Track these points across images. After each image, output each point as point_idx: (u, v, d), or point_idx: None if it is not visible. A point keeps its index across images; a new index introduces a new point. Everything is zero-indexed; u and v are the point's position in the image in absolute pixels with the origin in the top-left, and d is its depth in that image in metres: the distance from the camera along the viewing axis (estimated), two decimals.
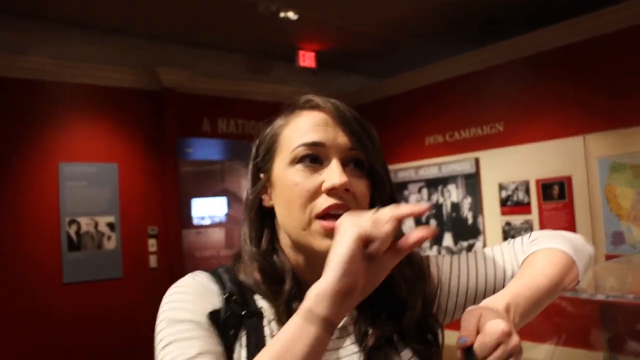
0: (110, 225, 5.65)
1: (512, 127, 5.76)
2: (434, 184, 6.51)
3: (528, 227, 5.55)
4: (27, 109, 5.25)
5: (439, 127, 6.47)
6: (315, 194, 0.86)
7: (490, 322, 0.73)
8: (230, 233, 8.35)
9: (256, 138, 0.98)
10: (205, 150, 7.51)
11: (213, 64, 6.47)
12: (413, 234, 0.74)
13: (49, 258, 5.27)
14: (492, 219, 5.91)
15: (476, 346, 0.72)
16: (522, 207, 5.64)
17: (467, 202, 6.17)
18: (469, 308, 0.78)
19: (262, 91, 6.74)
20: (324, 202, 0.85)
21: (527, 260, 0.96)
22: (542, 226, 5.44)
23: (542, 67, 5.51)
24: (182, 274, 0.93)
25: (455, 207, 6.29)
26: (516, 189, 5.68)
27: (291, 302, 0.88)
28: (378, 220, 0.72)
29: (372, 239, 0.72)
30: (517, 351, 0.72)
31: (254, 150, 0.97)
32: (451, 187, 6.33)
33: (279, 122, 0.95)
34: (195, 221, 8.33)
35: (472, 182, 6.11)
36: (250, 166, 0.97)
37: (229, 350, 0.83)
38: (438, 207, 6.47)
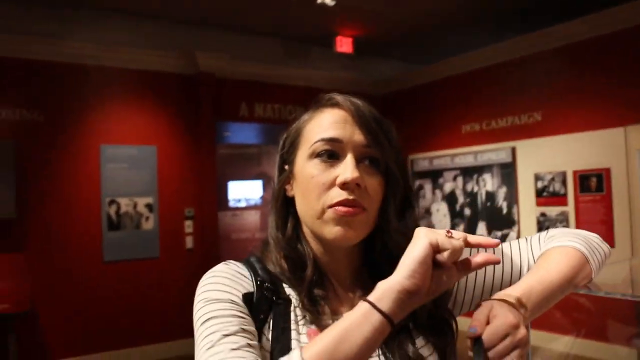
0: (149, 206, 5.81)
1: (550, 117, 5.66)
2: (470, 172, 6.46)
3: (563, 219, 5.47)
4: (70, 92, 5.45)
5: (476, 116, 6.40)
6: (329, 186, 0.91)
7: (499, 314, 0.78)
8: (266, 216, 8.44)
9: (284, 131, 1.04)
10: (243, 134, 7.62)
11: (251, 49, 6.54)
12: (481, 256, 0.82)
13: (91, 237, 5.49)
14: (527, 209, 5.84)
15: (484, 336, 0.76)
16: (558, 198, 5.55)
17: (502, 192, 6.11)
18: (483, 301, 0.82)
19: (299, 76, 6.79)
20: (337, 194, 0.90)
21: (542, 257, 0.99)
22: (578, 218, 5.36)
23: (583, 56, 5.38)
24: (217, 255, 1.00)
25: (490, 196, 6.24)
26: (552, 179, 5.60)
27: (312, 287, 0.94)
28: (451, 236, 0.80)
29: (443, 248, 0.78)
30: (524, 343, 0.76)
31: (281, 142, 1.02)
32: (486, 176, 6.27)
33: (304, 117, 1.00)
34: (232, 203, 8.46)
35: (507, 172, 6.04)
36: (277, 157, 1.03)
37: (260, 330, 0.89)
38: (472, 195, 6.43)
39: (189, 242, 6.03)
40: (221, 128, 6.81)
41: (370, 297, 0.77)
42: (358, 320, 0.76)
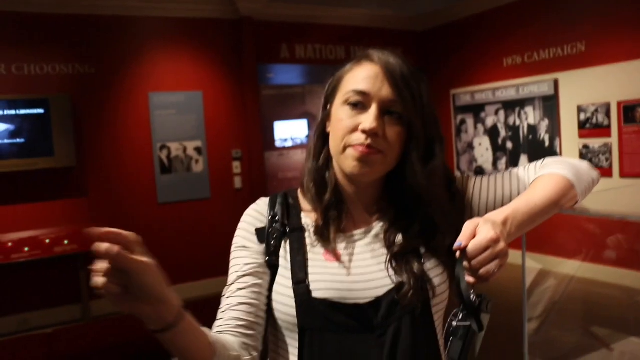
0: (198, 150, 6.09)
1: (593, 47, 5.52)
2: (511, 105, 6.42)
3: (606, 150, 5.44)
4: (118, 44, 5.68)
5: (518, 48, 6.29)
6: (353, 130, 1.06)
7: (482, 230, 0.91)
8: None
9: (330, 76, 1.20)
10: (285, 75, 7.71)
11: None
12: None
13: (145, 181, 5.84)
14: (570, 142, 5.81)
15: (468, 248, 0.89)
16: (602, 129, 5.50)
17: (544, 125, 6.07)
18: (471, 219, 0.96)
19: (339, 15, 6.78)
20: (357, 138, 1.05)
21: (532, 183, 1.14)
22: (622, 150, 5.31)
23: None
24: (265, 194, 1.23)
25: (532, 129, 6.22)
26: (596, 111, 5.53)
27: (329, 209, 1.13)
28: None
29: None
30: (502, 255, 0.90)
31: (327, 85, 1.18)
32: (528, 109, 6.23)
33: (346, 67, 1.14)
34: (278, 143, 8.66)
35: (550, 104, 5.98)
36: (323, 97, 1.19)
37: (275, 255, 1.12)
38: (515, 129, 6.42)
39: (238, 182, 6.30)
40: (264, 70, 6.93)
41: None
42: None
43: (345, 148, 1.07)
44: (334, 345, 1.04)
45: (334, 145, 1.11)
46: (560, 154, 5.88)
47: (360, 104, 1.07)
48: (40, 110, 5.18)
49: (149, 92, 5.83)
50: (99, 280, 0.78)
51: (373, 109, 1.05)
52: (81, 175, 5.50)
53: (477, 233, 0.92)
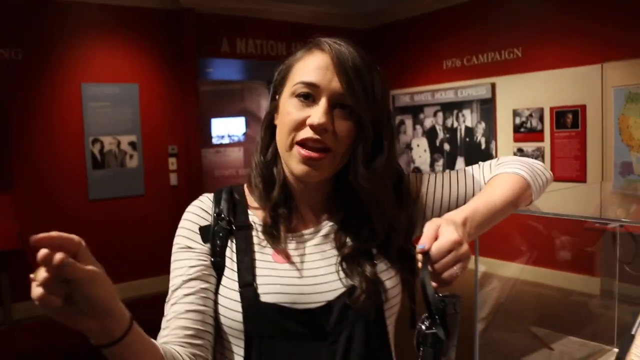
0: (132, 144, 5.85)
1: (530, 53, 5.71)
2: (450, 107, 6.55)
3: (539, 155, 5.63)
4: (48, 29, 5.35)
5: (458, 51, 6.42)
6: (300, 125, 1.00)
7: (445, 232, 0.87)
8: (249, 152, 8.52)
9: (280, 64, 1.12)
10: (225, 70, 7.57)
11: None
12: None
13: (76, 176, 5.55)
14: (505, 145, 5.99)
15: (432, 251, 0.85)
16: (535, 134, 5.69)
17: (481, 128, 6.23)
18: (431, 220, 0.92)
19: (282, 11, 6.70)
20: (305, 133, 0.99)
21: (489, 182, 1.12)
22: (553, 154, 5.51)
23: None
24: (201, 191, 1.13)
25: (469, 131, 6.36)
26: (530, 115, 5.71)
27: (277, 207, 1.06)
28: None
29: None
30: (465, 257, 0.87)
31: (275, 74, 1.10)
32: (466, 112, 6.37)
33: (297, 55, 1.07)
34: (215, 140, 8.50)
35: (487, 108, 6.14)
36: (272, 85, 1.11)
37: (221, 256, 1.03)
38: (452, 131, 6.55)
39: (174, 179, 6.12)
40: (203, 64, 6.77)
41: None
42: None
43: (292, 145, 1.01)
44: (284, 353, 0.98)
45: (280, 140, 1.05)
46: (496, 156, 6.00)
47: (309, 97, 1.00)
48: None
49: (82, 82, 5.54)
50: (36, 291, 0.67)
51: (322, 103, 0.99)
52: (6, 168, 5.15)
53: (439, 235, 0.88)
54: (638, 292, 2.78)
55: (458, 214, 0.96)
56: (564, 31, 5.39)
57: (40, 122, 5.33)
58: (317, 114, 0.98)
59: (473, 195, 1.13)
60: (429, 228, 0.89)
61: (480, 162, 1.21)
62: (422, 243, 0.87)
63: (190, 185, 6.08)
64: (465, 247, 0.87)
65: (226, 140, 8.57)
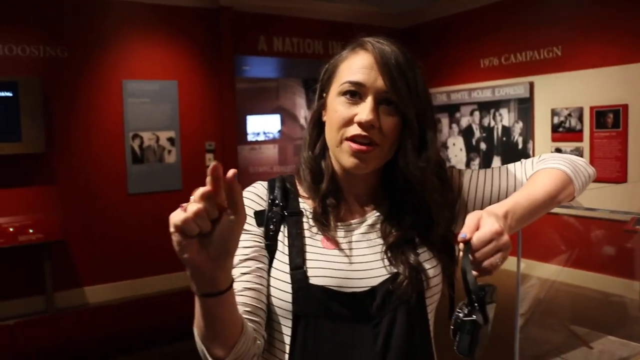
0: (171, 140, 5.97)
1: (570, 52, 5.62)
2: (487, 107, 6.49)
3: (579, 155, 5.52)
4: (91, 27, 5.51)
5: (496, 50, 6.36)
6: (349, 122, 1.05)
7: (486, 222, 0.90)
8: (284, 149, 8.60)
9: (325, 63, 1.18)
10: (261, 68, 7.64)
11: None
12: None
13: (116, 170, 5.69)
14: (542, 144, 5.90)
15: (473, 240, 0.88)
16: (574, 134, 5.60)
17: (518, 127, 6.15)
18: (474, 212, 0.94)
19: (318, 9, 6.74)
20: (353, 130, 1.05)
21: (532, 177, 1.13)
22: (593, 154, 5.42)
23: None
24: None
25: (506, 131, 6.29)
26: (569, 115, 5.62)
27: (326, 198, 1.12)
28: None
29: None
30: (506, 247, 0.89)
31: (321, 73, 1.16)
32: (503, 111, 6.30)
33: (342, 54, 1.12)
34: (250, 137, 8.59)
35: (525, 107, 6.06)
36: (318, 84, 1.17)
37: (273, 239, 1.09)
38: (489, 130, 6.49)
39: None
40: (240, 62, 6.85)
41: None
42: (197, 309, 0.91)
43: (341, 141, 1.06)
44: (329, 332, 1.03)
45: (330, 137, 1.10)
46: (533, 156, 5.94)
47: (356, 95, 1.06)
48: (9, 94, 4.99)
49: (123, 79, 5.68)
50: (192, 207, 0.73)
51: (369, 101, 1.04)
52: (50, 162, 5.31)
53: (480, 225, 0.90)
54: None
55: (500, 207, 0.98)
56: (604, 29, 5.29)
57: (83, 117, 5.49)
58: (364, 111, 1.03)
59: (514, 191, 1.14)
60: (470, 218, 0.92)
61: (522, 160, 1.23)
62: (464, 232, 0.89)
63: None
64: (505, 237, 0.89)
65: (261, 138, 8.65)
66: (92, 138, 5.54)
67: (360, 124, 1.03)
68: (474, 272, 0.89)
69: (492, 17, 6.38)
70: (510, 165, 1.21)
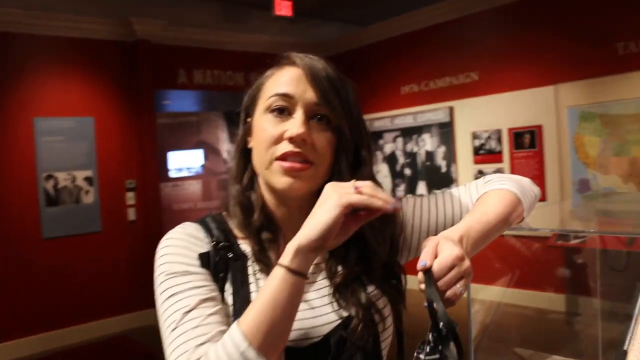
0: (88, 180, 5.66)
1: (486, 77, 5.84)
2: (409, 133, 6.61)
3: None
4: None
5: (415, 76, 6.52)
6: (278, 139, 0.96)
7: (445, 248, 0.83)
8: (207, 185, 8.39)
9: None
10: (182, 101, 7.47)
11: (188, 14, 6.34)
12: (389, 205, 0.86)
13: (28, 213, 5.30)
14: (465, 167, 6.06)
15: (434, 268, 0.81)
16: (494, 155, 5.79)
17: (441, 151, 6.30)
18: (428, 238, 0.88)
19: (238, 41, 6.69)
20: (284, 147, 0.95)
21: (480, 199, 1.08)
22: (513, 174, 5.57)
23: (517, 16, 5.56)
24: (160, 226, 1.04)
25: (430, 155, 6.42)
26: (489, 137, 5.81)
27: (260, 232, 1.00)
28: (360, 191, 0.84)
29: (358, 206, 0.84)
30: (468, 273, 0.83)
31: (245, 97, 1.07)
32: (425, 136, 6.44)
33: (266, 74, 1.04)
34: (172, 174, 8.32)
35: (446, 131, 6.22)
36: (242, 110, 1.08)
37: (220, 287, 0.95)
38: (412, 156, 6.60)
39: (132, 214, 5.92)
40: (160, 96, 6.65)
41: (283, 261, 0.84)
42: (279, 286, 0.83)
43: (271, 162, 0.97)
44: None
45: (258, 159, 1.00)
46: (457, 179, 6.11)
47: (284, 110, 0.97)
48: None
49: (34, 117, 5.34)
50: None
51: (298, 114, 0.96)
52: None
53: (439, 251, 0.84)
54: (614, 307, 2.79)
55: (453, 232, 0.92)
56: (517, 55, 5.55)
57: None
58: (294, 125, 0.95)
59: (460, 217, 1.08)
60: (428, 245, 0.85)
61: (465, 183, 1.19)
62: (423, 260, 0.82)
63: (149, 220, 5.87)
64: (467, 262, 0.84)
65: (184, 173, 8.41)
66: (2, 180, 5.15)
67: (291, 140, 0.94)
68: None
69: (410, 45, 6.55)
70: (454, 190, 1.17)
